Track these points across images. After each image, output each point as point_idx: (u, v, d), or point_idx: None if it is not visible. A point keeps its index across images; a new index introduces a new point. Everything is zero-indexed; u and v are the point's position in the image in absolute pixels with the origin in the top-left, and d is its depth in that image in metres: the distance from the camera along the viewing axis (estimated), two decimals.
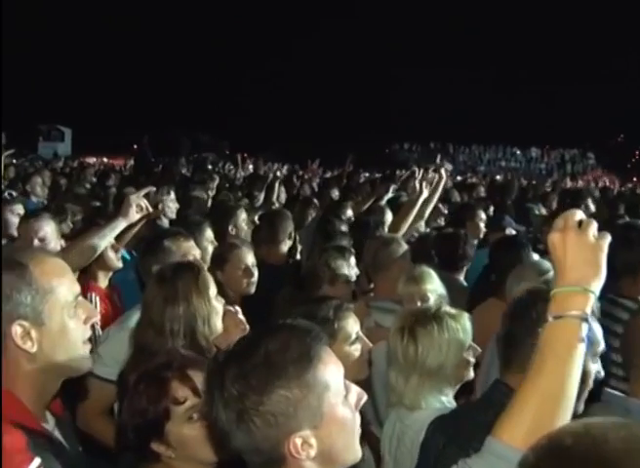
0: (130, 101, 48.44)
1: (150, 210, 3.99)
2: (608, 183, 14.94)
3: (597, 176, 35.34)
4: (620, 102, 45.50)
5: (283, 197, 9.25)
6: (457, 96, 49.25)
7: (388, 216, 6.64)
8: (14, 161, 16.42)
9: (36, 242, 4.70)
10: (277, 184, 9.02)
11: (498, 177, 16.28)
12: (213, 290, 3.38)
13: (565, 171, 43.96)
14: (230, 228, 6.04)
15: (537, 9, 50.33)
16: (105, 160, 31.42)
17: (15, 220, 5.77)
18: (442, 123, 46.44)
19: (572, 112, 47.48)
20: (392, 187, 8.49)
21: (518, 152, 47.78)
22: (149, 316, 3.31)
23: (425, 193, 6.20)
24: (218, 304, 3.37)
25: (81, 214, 6.84)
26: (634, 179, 31.73)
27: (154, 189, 4.32)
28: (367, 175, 19.52)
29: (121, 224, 3.91)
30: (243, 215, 6.22)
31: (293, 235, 6.06)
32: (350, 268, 4.68)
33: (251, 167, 17.06)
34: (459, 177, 20.65)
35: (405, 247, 4.89)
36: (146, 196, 4.07)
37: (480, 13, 51.38)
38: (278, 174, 9.48)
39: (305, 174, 16.01)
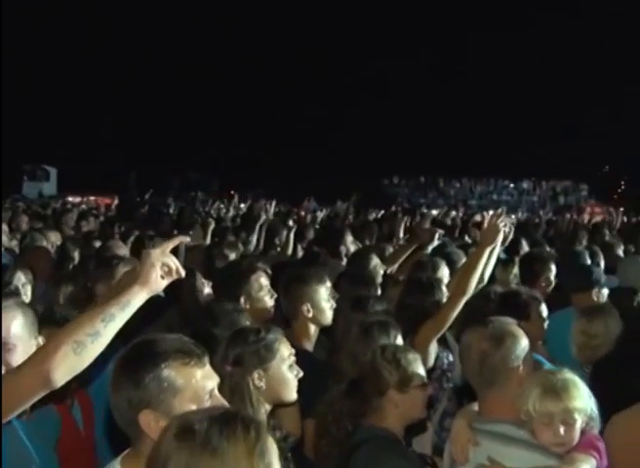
0: (116, 138, 47.91)
1: (182, 272, 2.57)
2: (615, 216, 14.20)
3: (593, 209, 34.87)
4: (604, 133, 45.62)
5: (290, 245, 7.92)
6: (446, 127, 48.97)
7: (444, 272, 5.49)
8: None
9: None
10: (290, 233, 7.66)
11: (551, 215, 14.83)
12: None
13: (558, 202, 43.55)
14: (243, 300, 4.48)
15: (529, 45, 50.35)
16: (92, 198, 30.75)
17: None
18: (431, 156, 46.04)
19: (562, 143, 47.34)
20: (439, 233, 6.96)
21: (511, 185, 47.36)
22: None
23: (497, 244, 4.74)
24: None
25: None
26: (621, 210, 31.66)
27: (187, 239, 2.87)
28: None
29: (140, 297, 2.48)
30: (261, 280, 4.60)
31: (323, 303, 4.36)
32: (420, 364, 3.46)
33: (242, 205, 16.34)
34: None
35: (525, 340, 3.23)
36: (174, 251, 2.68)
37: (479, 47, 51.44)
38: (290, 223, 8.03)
39: (299, 211, 15.33)
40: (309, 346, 4.32)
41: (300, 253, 7.76)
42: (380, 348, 3.48)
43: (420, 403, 3.42)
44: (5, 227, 7.62)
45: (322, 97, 51.63)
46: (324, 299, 4.35)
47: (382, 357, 3.39)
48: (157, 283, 2.50)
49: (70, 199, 29.18)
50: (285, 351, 3.32)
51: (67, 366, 2.35)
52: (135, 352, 2.38)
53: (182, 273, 2.56)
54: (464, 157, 46.05)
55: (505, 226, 4.73)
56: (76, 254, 7.00)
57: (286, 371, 3.28)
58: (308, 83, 52.02)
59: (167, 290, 2.66)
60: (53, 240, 7.45)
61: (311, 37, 51.52)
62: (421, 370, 3.45)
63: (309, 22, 52.20)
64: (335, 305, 4.40)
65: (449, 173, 46.89)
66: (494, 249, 4.82)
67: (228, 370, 3.18)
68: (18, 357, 2.83)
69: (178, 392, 2.28)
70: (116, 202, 17.55)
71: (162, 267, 2.52)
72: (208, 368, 2.41)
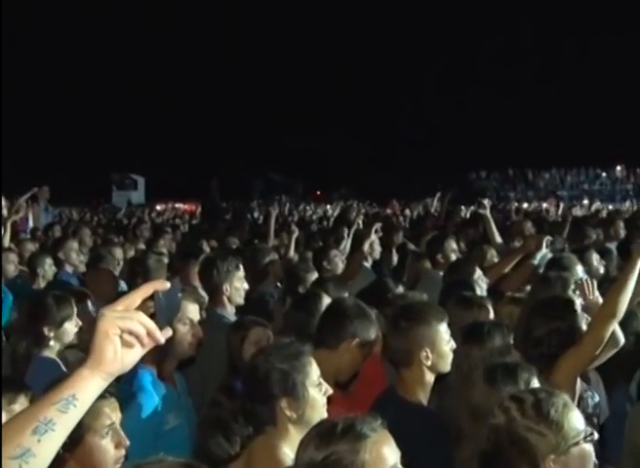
0: (200, 144, 48.39)
1: (160, 339, 1.62)
2: None
3: None
4: None
5: (377, 249, 7.41)
6: (532, 117, 47.78)
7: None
8: (58, 217, 15.34)
9: None
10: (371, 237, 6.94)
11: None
12: None
13: None
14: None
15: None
16: (178, 205, 31.13)
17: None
18: (519, 147, 44.86)
19: None
20: (547, 240, 5.94)
21: (604, 174, 45.46)
22: None
23: None
24: None
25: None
26: None
27: (166, 285, 1.64)
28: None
29: (92, 387, 1.58)
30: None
31: None
32: None
33: (329, 206, 15.98)
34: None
35: None
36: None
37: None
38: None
39: (387, 211, 14.88)
40: (424, 399, 3.49)
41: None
42: (513, 401, 2.42)
43: (590, 457, 2.42)
44: (74, 244, 7.22)
45: (406, 95, 51.13)
46: (445, 341, 3.49)
47: (524, 416, 2.36)
48: (118, 361, 1.58)
49: (158, 207, 29.53)
50: None
51: None
52: None
53: (161, 339, 1.60)
54: (553, 147, 44.68)
55: None
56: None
57: None
58: (396, 80, 51.69)
59: None
60: (118, 257, 6.97)
61: (418, 37, 51.13)
62: (580, 417, 2.43)
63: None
64: (454, 346, 3.53)
65: (537, 164, 45.45)
66: None
67: None
68: None
69: None
70: (199, 209, 17.31)
71: (127, 334, 1.58)
72: None
